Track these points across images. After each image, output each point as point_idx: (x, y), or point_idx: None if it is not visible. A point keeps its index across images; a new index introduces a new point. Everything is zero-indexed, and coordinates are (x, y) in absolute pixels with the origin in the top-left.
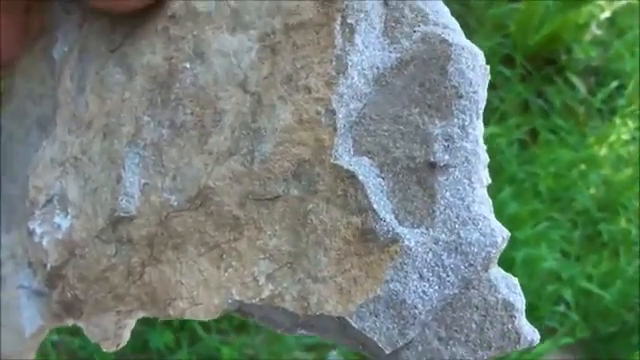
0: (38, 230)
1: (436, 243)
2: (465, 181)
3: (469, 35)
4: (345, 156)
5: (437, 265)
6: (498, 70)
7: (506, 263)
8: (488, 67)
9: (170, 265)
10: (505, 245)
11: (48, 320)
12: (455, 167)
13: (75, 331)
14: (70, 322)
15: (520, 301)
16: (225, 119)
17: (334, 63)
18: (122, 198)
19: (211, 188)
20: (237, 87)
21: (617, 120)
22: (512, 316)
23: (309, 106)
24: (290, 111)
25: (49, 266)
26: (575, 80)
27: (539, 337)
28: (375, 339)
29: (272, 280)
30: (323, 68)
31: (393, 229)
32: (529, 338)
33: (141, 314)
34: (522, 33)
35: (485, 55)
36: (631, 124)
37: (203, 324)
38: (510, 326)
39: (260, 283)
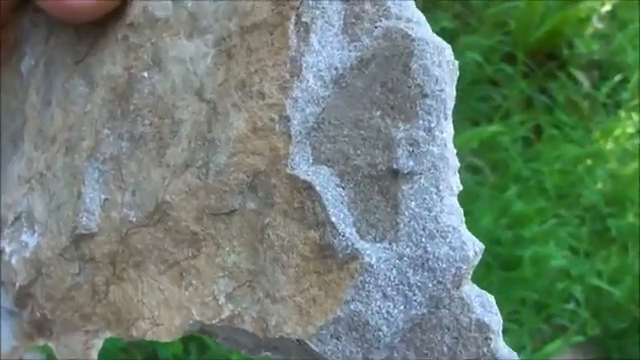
0: (7, 249)
1: (400, 259)
2: (432, 189)
3: (469, 34)
4: (302, 165)
5: (402, 283)
6: (500, 68)
7: (514, 262)
8: (457, 62)
9: (132, 284)
10: (478, 259)
11: (21, 340)
12: (421, 174)
13: None
14: (41, 342)
15: (496, 321)
16: (182, 129)
17: (288, 66)
18: (82, 215)
19: (168, 203)
20: (194, 95)
21: (622, 113)
22: (487, 338)
23: (263, 113)
24: (244, 119)
25: (17, 285)
26: (578, 75)
27: None
28: None
29: (232, 300)
30: (277, 71)
31: (352, 244)
32: None
33: (108, 334)
34: (523, 30)
35: (486, 53)
36: (636, 117)
37: None
38: (485, 349)
39: (220, 302)
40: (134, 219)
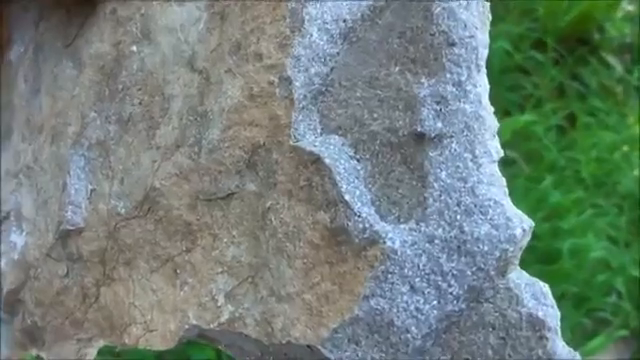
0: None
1: (430, 242)
2: (467, 155)
3: (497, 22)
4: (309, 135)
5: (434, 272)
6: (530, 55)
7: (552, 255)
8: (487, 4)
9: (123, 284)
10: (527, 239)
11: (14, 349)
12: (452, 137)
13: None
14: (34, 352)
15: (552, 316)
16: (173, 105)
17: (288, 20)
18: (68, 208)
19: (158, 190)
20: (185, 66)
21: None
22: (542, 337)
23: (260, 77)
24: (239, 86)
25: (5, 290)
26: (610, 59)
27: None
28: None
29: (232, 299)
30: (276, 28)
31: (371, 226)
32: None
33: (101, 342)
34: (551, 16)
35: (515, 41)
36: None
37: None
38: (540, 351)
39: (219, 304)
40: (123, 210)
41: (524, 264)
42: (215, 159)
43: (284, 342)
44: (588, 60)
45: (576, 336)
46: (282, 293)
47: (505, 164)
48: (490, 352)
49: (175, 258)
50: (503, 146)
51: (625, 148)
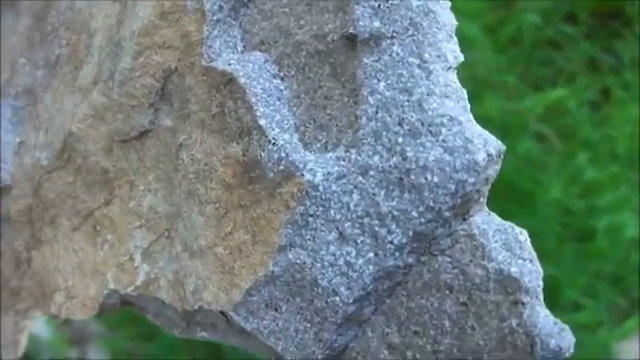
0: None
1: (364, 174)
2: (412, 60)
3: None
4: (225, 54)
5: (368, 214)
6: (561, 29)
7: (587, 233)
8: None
9: (50, 246)
10: (496, 169)
11: None
12: (392, 38)
13: (149, 336)
14: None
15: (532, 273)
16: (95, 41)
17: None
18: None
19: (75, 134)
20: None
21: None
22: (517, 302)
23: None
24: (151, 5)
25: None
26: None
27: (572, 340)
28: (279, 349)
29: (148, 258)
30: None
31: (287, 155)
32: (552, 343)
33: (37, 313)
34: None
35: (545, 15)
36: None
37: None
38: (514, 322)
39: (136, 264)
40: (45, 162)
41: (560, 242)
42: (127, 92)
43: (196, 308)
44: (621, 33)
45: (612, 316)
46: (194, 247)
47: (538, 140)
48: (447, 323)
49: (95, 213)
50: (536, 122)
51: None
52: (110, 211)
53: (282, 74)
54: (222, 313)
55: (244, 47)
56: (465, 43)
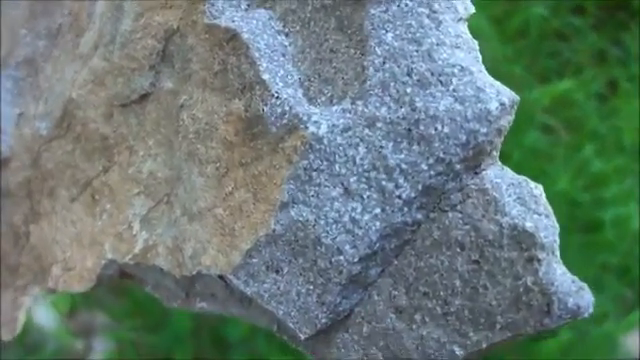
0: None
1: (371, 126)
2: (422, 11)
3: None
4: (228, 12)
5: (375, 168)
6: (568, 21)
7: (594, 225)
8: None
9: (48, 219)
10: (509, 119)
11: None
12: None
13: (154, 328)
14: None
15: (548, 228)
16: (97, 7)
17: None
18: None
19: (74, 101)
20: None
21: None
22: (532, 259)
23: None
24: None
25: None
26: None
27: (591, 299)
28: (280, 313)
29: (146, 225)
30: None
31: (291, 109)
32: (570, 302)
33: (36, 289)
34: None
35: (553, 7)
36: None
37: None
38: (530, 279)
39: (134, 231)
40: (45, 132)
41: (566, 234)
42: (128, 55)
43: (194, 273)
44: (628, 25)
45: (618, 307)
46: (194, 210)
47: (545, 132)
48: (458, 283)
49: (93, 182)
50: (542, 113)
51: None
52: (109, 179)
53: (287, 30)
54: (221, 278)
55: (248, 5)
56: (472, 34)
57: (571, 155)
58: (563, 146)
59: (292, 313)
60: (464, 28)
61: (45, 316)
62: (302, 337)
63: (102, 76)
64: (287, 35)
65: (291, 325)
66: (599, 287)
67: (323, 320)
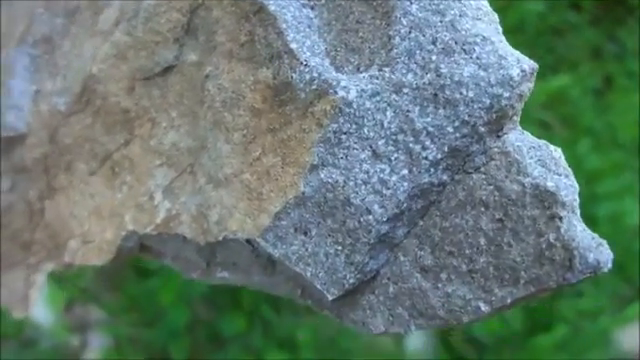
0: None
1: (398, 92)
2: None
3: None
4: None
5: (402, 131)
6: (564, 16)
7: (589, 220)
8: None
9: (64, 193)
10: (530, 86)
11: None
12: None
13: (150, 323)
14: None
15: (568, 187)
16: None
17: None
18: (11, 112)
19: (95, 76)
20: None
21: None
22: (554, 217)
23: None
24: None
25: None
26: None
27: (610, 255)
28: (308, 275)
29: (169, 195)
30: None
31: (320, 75)
32: (591, 257)
33: (49, 266)
34: None
35: (550, 2)
36: None
37: (273, 307)
38: (552, 236)
39: (156, 202)
40: (63, 107)
41: None
42: (151, 28)
43: (220, 239)
44: (625, 21)
45: (614, 303)
46: (219, 176)
47: (540, 127)
48: (483, 241)
49: (113, 155)
50: (538, 109)
51: None
52: (130, 152)
53: (312, 3)
54: (248, 242)
55: None
56: None
57: (567, 150)
58: (559, 141)
59: (320, 274)
60: (484, 1)
61: (41, 312)
62: (330, 298)
63: (124, 50)
64: (312, 8)
65: (318, 286)
66: (594, 282)
67: (351, 280)
